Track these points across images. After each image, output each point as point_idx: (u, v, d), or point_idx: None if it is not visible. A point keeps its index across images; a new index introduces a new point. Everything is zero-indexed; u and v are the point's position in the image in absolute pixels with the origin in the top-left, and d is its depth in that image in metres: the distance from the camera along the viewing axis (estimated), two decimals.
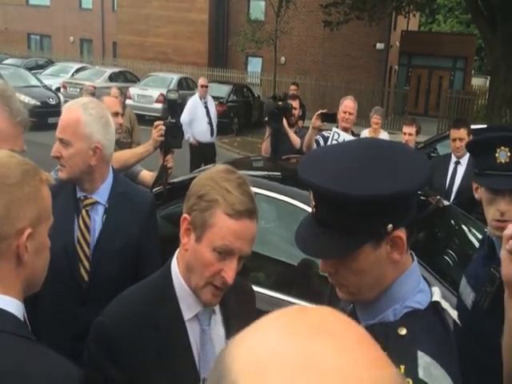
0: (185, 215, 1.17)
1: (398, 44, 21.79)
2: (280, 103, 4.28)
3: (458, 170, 4.20)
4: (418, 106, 21.77)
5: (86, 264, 1.83)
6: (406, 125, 5.18)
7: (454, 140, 4.17)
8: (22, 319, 1.01)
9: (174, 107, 2.70)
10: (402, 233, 0.91)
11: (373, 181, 0.86)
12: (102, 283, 1.80)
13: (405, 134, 5.10)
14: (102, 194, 1.88)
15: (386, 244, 0.91)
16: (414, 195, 0.93)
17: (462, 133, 4.09)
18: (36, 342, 0.98)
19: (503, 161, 1.63)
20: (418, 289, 0.96)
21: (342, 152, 0.98)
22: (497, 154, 1.63)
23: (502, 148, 1.63)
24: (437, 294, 0.97)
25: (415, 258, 1.01)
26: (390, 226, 0.89)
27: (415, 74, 22.65)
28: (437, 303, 0.95)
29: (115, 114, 2.94)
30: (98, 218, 1.86)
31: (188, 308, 1.21)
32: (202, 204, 1.13)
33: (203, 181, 1.15)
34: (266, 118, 4.28)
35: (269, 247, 2.99)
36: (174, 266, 1.23)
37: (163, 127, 2.56)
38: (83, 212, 1.85)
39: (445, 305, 0.97)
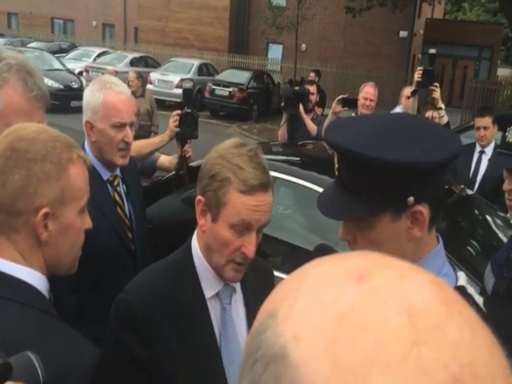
0: (199, 197, 1.16)
1: (421, 32, 21.34)
2: (296, 88, 4.22)
3: (483, 159, 4.09)
4: (441, 95, 21.34)
5: (130, 235, 1.92)
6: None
7: (479, 128, 4.06)
8: (46, 294, 1.00)
9: (189, 96, 2.68)
10: (424, 208, 0.88)
11: (396, 147, 0.84)
12: (142, 247, 1.94)
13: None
14: (117, 167, 1.95)
15: (407, 218, 0.89)
16: (439, 170, 0.89)
17: (486, 121, 3.98)
18: (56, 318, 0.97)
19: (511, 140, 1.64)
20: (443, 273, 0.94)
21: (371, 119, 0.98)
22: (507, 133, 1.65)
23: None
24: (462, 278, 0.96)
25: (441, 241, 0.98)
26: (412, 198, 0.86)
27: (439, 64, 22.19)
28: (462, 288, 0.94)
29: None
30: (122, 191, 1.95)
31: (209, 286, 1.21)
32: (214, 184, 1.11)
33: (214, 160, 1.13)
34: (283, 104, 4.24)
35: (287, 232, 2.98)
36: (195, 244, 1.23)
37: (178, 117, 2.54)
38: (118, 189, 1.92)
39: (470, 290, 0.95)
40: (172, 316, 1.16)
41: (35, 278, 0.97)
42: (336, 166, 0.95)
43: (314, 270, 0.36)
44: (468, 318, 0.32)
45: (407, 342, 0.29)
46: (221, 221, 1.12)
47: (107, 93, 1.80)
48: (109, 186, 1.90)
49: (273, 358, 0.31)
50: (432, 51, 3.60)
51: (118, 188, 1.92)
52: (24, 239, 0.95)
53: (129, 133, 1.83)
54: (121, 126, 1.82)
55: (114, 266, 1.83)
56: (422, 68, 3.44)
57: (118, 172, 1.94)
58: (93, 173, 1.83)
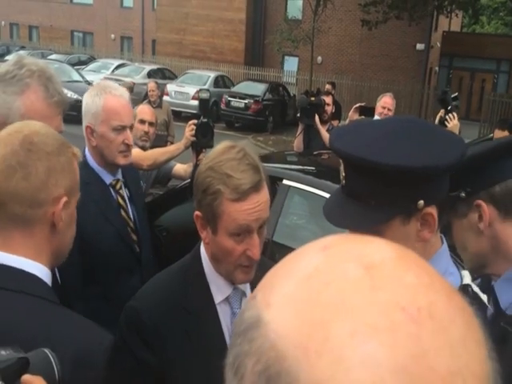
0: (196, 212, 1.17)
1: (438, 45, 21.26)
2: (313, 99, 4.23)
3: None
4: (459, 108, 21.18)
5: (135, 237, 1.93)
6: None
7: None
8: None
9: (205, 106, 2.71)
10: (433, 210, 0.88)
11: (405, 153, 0.84)
12: (147, 248, 1.96)
13: None
14: (119, 172, 1.97)
15: (416, 221, 0.89)
16: (447, 172, 0.90)
17: (506, 134, 3.93)
18: (67, 308, 1.00)
19: None
20: (448, 272, 0.94)
21: (377, 124, 0.97)
22: None
23: None
24: (467, 277, 0.96)
25: (445, 241, 0.99)
26: (422, 202, 0.87)
27: (457, 76, 22.05)
28: (467, 286, 0.94)
29: (141, 122, 3.20)
30: (124, 194, 1.96)
31: (219, 291, 1.21)
32: (207, 198, 1.11)
33: (204, 173, 1.13)
34: (299, 114, 4.24)
35: (301, 242, 2.97)
36: (203, 250, 1.24)
37: (195, 126, 2.57)
38: (120, 192, 1.93)
39: (475, 288, 0.94)
40: (181, 322, 1.16)
41: (43, 272, 1.00)
42: (342, 174, 0.94)
43: (289, 257, 0.38)
44: (426, 269, 0.34)
45: (365, 290, 0.30)
46: (220, 232, 1.13)
47: (107, 97, 1.82)
48: (112, 189, 1.90)
49: (249, 326, 0.33)
50: (446, 89, 3.59)
51: (120, 191, 1.93)
52: (40, 231, 0.98)
53: (129, 135, 1.85)
54: (121, 129, 1.84)
55: (121, 270, 1.84)
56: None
57: (119, 176, 1.95)
58: (95, 178, 1.86)
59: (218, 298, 1.20)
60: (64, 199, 1.00)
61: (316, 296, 0.31)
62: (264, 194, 1.13)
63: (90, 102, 1.84)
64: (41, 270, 0.99)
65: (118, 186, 1.92)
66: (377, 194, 0.87)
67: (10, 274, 0.95)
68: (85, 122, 1.85)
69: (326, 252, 0.34)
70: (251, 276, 1.18)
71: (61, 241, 1.04)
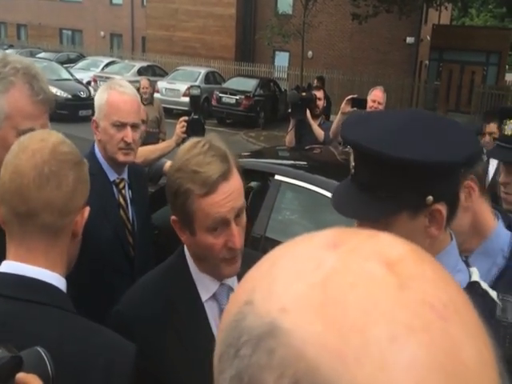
0: (172, 217, 1.16)
1: (428, 38, 21.32)
2: (303, 94, 4.23)
3: (490, 163, 4.04)
4: (449, 101, 21.28)
5: (131, 240, 1.91)
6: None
7: (484, 135, 4.01)
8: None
9: (196, 103, 2.70)
10: (442, 207, 0.87)
11: (417, 146, 0.83)
12: (143, 254, 1.92)
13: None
14: (125, 172, 1.96)
15: (424, 216, 0.88)
16: (459, 169, 0.89)
17: (491, 127, 3.93)
18: (89, 320, 1.00)
19: (509, 133, 1.66)
20: (457, 269, 0.93)
21: (389, 116, 0.96)
22: (506, 126, 1.66)
23: (509, 120, 1.65)
24: (475, 274, 0.94)
25: (454, 237, 0.98)
26: (430, 197, 0.86)
27: (447, 69, 22.13)
28: (475, 283, 0.93)
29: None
30: (127, 195, 1.95)
31: (205, 289, 1.21)
32: (179, 199, 1.11)
33: (173, 175, 1.13)
34: (290, 110, 4.24)
35: (293, 237, 2.97)
36: (187, 250, 1.24)
37: (186, 123, 2.56)
38: (123, 192, 1.92)
39: (484, 285, 0.94)
40: (170, 324, 1.15)
41: (61, 283, 0.99)
42: (352, 164, 0.93)
43: (284, 254, 0.35)
44: (436, 263, 0.34)
45: (394, 289, 0.30)
46: (198, 231, 1.12)
47: (111, 93, 1.86)
48: (114, 187, 1.90)
49: (262, 335, 0.30)
50: None
51: (123, 191, 1.92)
52: (63, 240, 0.99)
53: (128, 133, 1.84)
54: (121, 126, 1.84)
55: (111, 269, 1.83)
56: None
57: (125, 176, 1.95)
58: (100, 173, 1.86)
59: (204, 295, 1.20)
60: (88, 208, 1.02)
61: (343, 298, 0.30)
62: (234, 182, 1.12)
63: (98, 97, 1.89)
64: (59, 280, 0.98)
65: (121, 186, 1.92)
66: (385, 186, 0.87)
67: (34, 287, 0.94)
68: (94, 116, 1.92)
69: (339, 250, 0.33)
70: (237, 267, 1.18)
71: (72, 251, 1.04)
